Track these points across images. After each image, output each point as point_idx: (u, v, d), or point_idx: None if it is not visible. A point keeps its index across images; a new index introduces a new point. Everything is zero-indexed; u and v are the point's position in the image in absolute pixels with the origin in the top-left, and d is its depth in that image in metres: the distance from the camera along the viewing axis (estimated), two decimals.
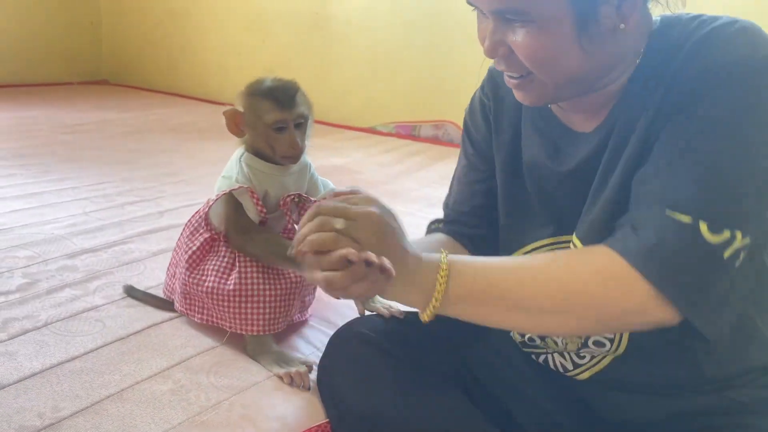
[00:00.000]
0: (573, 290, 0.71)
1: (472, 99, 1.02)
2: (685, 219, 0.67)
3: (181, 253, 1.10)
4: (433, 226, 1.07)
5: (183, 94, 4.21)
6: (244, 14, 3.92)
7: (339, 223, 0.69)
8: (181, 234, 1.13)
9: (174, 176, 2.14)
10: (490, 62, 0.83)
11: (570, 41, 0.71)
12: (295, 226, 1.09)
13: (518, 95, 0.81)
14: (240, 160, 1.05)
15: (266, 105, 1.00)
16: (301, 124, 1.03)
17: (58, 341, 1.01)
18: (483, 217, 1.02)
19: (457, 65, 3.21)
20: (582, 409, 0.89)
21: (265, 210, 1.02)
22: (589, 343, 0.84)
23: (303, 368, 1.00)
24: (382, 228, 0.71)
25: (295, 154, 1.03)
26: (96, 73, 4.58)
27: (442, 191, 1.11)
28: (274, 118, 1.00)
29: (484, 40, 0.76)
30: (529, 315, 0.73)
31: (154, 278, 1.28)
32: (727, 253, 0.66)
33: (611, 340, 0.81)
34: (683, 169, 0.70)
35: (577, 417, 0.90)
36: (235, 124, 1.04)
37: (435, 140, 3.29)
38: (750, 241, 0.67)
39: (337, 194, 0.83)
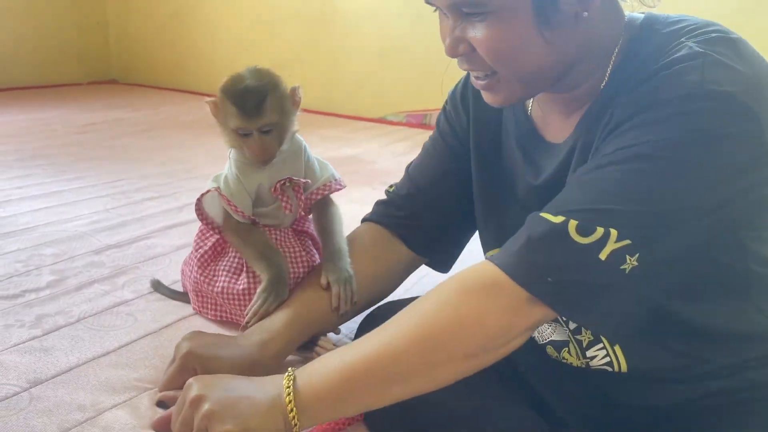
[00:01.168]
0: (439, 325, 0.69)
1: (458, 84, 1.02)
2: (556, 219, 0.66)
3: (193, 252, 1.10)
4: (368, 214, 1.08)
5: (192, 91, 4.21)
6: (251, 9, 3.91)
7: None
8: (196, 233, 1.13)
9: (190, 172, 2.15)
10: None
11: (530, 31, 0.69)
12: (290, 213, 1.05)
13: (486, 96, 0.80)
14: (229, 156, 1.03)
15: (231, 109, 0.94)
16: (269, 131, 0.95)
17: (92, 336, 1.01)
18: (432, 201, 1.02)
19: None
20: (600, 394, 0.89)
21: (243, 212, 0.99)
22: (592, 368, 0.83)
23: (331, 345, 0.99)
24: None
25: (261, 159, 0.97)
26: (105, 73, 4.59)
27: None
28: (236, 124, 0.94)
29: (446, 39, 0.74)
30: (407, 381, 0.71)
31: (179, 272, 1.28)
32: (603, 255, 0.64)
33: (610, 364, 0.80)
34: (581, 179, 0.69)
35: (597, 401, 0.89)
36: (215, 114, 0.99)
37: None
38: (632, 244, 0.63)
39: None
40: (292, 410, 0.71)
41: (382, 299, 1.05)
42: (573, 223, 0.65)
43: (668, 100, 0.66)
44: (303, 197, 1.02)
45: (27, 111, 3.24)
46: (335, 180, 1.06)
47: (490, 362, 0.71)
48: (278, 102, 0.95)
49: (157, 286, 1.20)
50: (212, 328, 1.06)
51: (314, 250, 1.09)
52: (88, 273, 1.24)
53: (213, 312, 1.08)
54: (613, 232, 0.64)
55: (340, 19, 3.57)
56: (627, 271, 0.64)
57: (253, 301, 0.96)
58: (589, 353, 0.83)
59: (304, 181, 1.02)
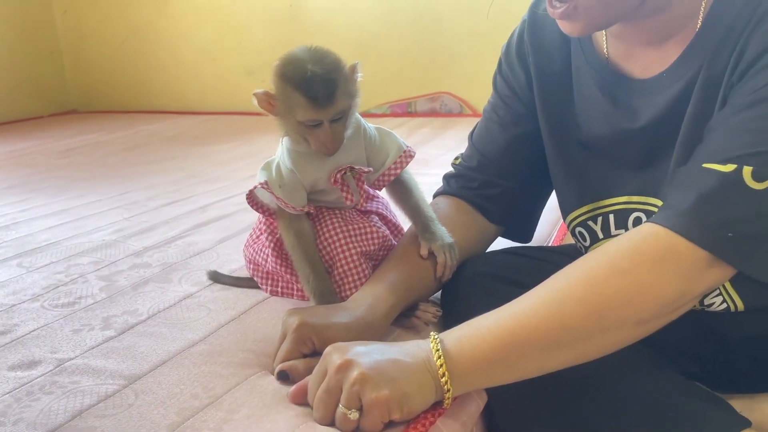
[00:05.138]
0: (613, 293, 0.65)
1: (510, 39, 0.98)
2: (725, 168, 0.63)
3: (265, 237, 1.02)
4: (441, 188, 1.05)
5: (160, 111, 4.07)
6: (214, 18, 3.80)
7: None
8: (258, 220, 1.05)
9: (195, 178, 2.06)
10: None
11: None
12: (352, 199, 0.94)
13: (564, 26, 0.76)
14: (282, 144, 0.94)
15: (299, 100, 0.82)
16: (339, 119, 0.85)
17: (171, 329, 0.93)
18: (503, 168, 0.98)
19: (444, 35, 3.17)
20: (716, 333, 0.86)
21: (294, 206, 0.91)
22: (705, 311, 0.80)
23: (431, 307, 0.94)
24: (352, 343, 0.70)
25: (329, 151, 0.86)
26: (64, 104, 4.41)
27: None
28: (305, 117, 0.83)
29: None
30: (575, 347, 0.67)
31: (233, 261, 1.21)
32: None
33: (727, 308, 0.79)
34: (737, 121, 0.66)
35: (713, 341, 0.87)
36: (269, 104, 0.87)
37: (432, 113, 3.25)
38: None
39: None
40: (444, 374, 0.66)
41: None
42: (747, 170, 0.62)
43: None
44: (365, 185, 0.93)
45: None
46: (404, 152, 0.95)
47: (658, 327, 0.68)
48: (346, 85, 0.84)
49: (217, 277, 1.12)
50: (303, 303, 1.00)
51: (384, 227, 1.02)
52: (138, 274, 1.15)
53: (299, 293, 1.00)
54: None
55: (311, 17, 3.51)
56: None
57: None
58: (706, 300, 0.81)
59: (366, 170, 0.91)
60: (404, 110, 3.34)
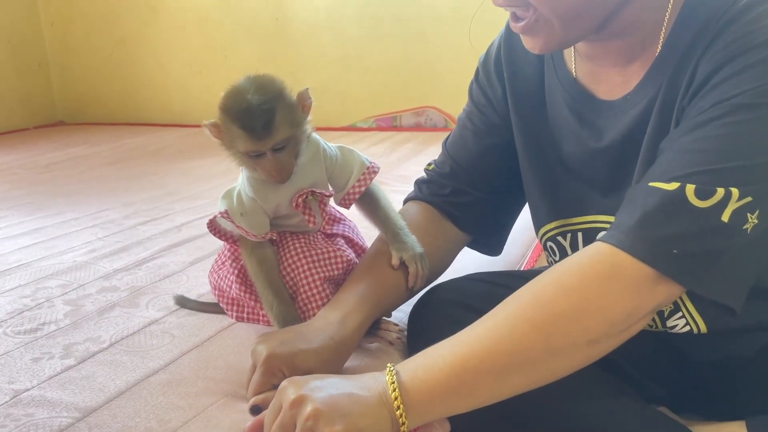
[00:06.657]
0: (560, 311, 0.64)
1: (489, 49, 0.99)
2: (669, 186, 0.63)
3: (229, 263, 1.01)
4: (412, 193, 1.05)
5: (146, 123, 4.07)
6: (201, 32, 3.81)
7: None
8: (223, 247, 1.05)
9: (175, 195, 2.05)
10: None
11: None
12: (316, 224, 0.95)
13: (526, 41, 0.77)
14: (243, 171, 0.93)
15: (237, 132, 0.82)
16: (282, 148, 0.85)
17: (133, 357, 0.92)
18: (475, 177, 0.98)
19: (429, 49, 3.18)
20: (679, 354, 0.86)
21: (255, 234, 0.91)
22: (669, 331, 0.80)
23: (394, 326, 0.94)
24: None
25: (278, 179, 0.86)
26: (50, 116, 4.40)
27: None
28: (245, 148, 0.83)
29: None
30: (529, 370, 0.66)
31: (201, 285, 1.20)
32: (726, 216, 0.62)
33: (690, 331, 0.78)
34: (683, 142, 0.67)
35: (675, 362, 0.87)
36: (218, 136, 0.87)
37: (417, 127, 3.26)
38: (753, 200, 0.61)
39: None
40: (399, 407, 0.65)
41: (436, 279, 1.00)
42: (690, 188, 0.62)
43: (762, 43, 0.64)
44: (330, 206, 0.94)
45: None
46: (367, 168, 0.96)
47: (611, 348, 0.67)
48: (288, 114, 0.84)
49: (183, 302, 1.11)
50: (269, 329, 0.99)
51: (350, 249, 1.02)
52: (105, 298, 1.15)
53: (264, 319, 1.00)
54: (735, 191, 0.61)
55: (295, 31, 3.52)
56: (749, 231, 0.62)
57: None
58: (669, 323, 0.81)
59: (328, 194, 0.93)
60: (389, 124, 3.35)
